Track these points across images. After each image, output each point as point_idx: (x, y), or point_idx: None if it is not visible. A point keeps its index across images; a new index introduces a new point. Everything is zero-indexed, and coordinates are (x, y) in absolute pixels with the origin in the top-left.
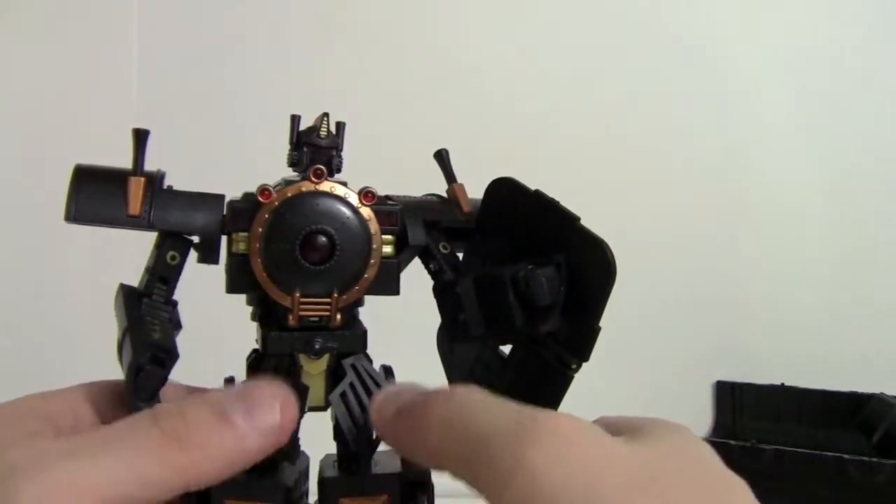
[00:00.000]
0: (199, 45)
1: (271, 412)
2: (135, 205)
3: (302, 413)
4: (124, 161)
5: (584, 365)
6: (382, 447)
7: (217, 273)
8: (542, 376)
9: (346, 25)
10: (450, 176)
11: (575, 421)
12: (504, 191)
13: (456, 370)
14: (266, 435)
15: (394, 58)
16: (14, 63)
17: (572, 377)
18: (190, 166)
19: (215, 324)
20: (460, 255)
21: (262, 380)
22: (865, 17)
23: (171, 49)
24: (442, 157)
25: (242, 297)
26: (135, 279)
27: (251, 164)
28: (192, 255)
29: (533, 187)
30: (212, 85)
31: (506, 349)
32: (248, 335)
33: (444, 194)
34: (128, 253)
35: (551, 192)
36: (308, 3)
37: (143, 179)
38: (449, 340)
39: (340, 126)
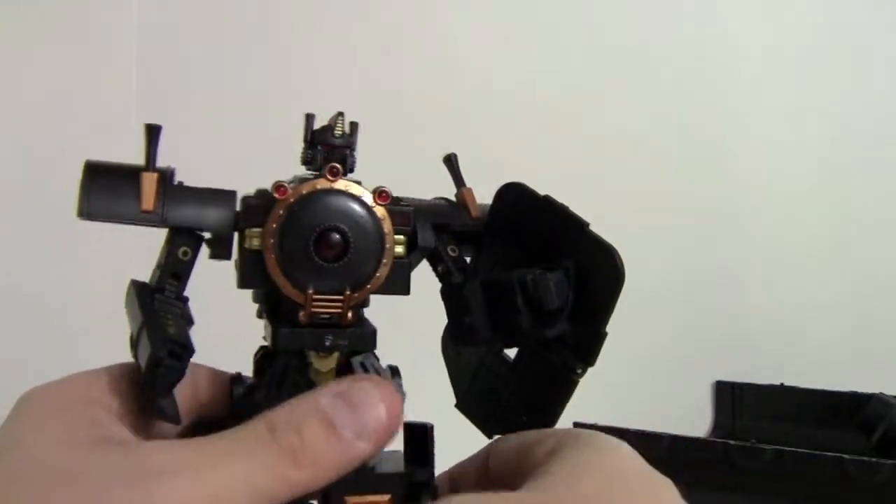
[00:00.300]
0: (199, 45)
1: (377, 415)
2: (148, 201)
3: None
4: (125, 160)
5: None
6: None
7: (224, 269)
8: (547, 380)
9: (351, 25)
10: (458, 180)
11: (477, 497)
12: (513, 196)
13: (460, 374)
14: (373, 440)
15: (401, 60)
16: (13, 63)
17: (577, 382)
18: (190, 166)
19: (223, 320)
20: (468, 259)
21: (365, 379)
22: (864, 14)
23: (171, 49)
24: (451, 162)
25: (249, 294)
26: (140, 277)
27: (252, 164)
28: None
29: (542, 191)
30: (212, 85)
31: (511, 353)
32: (255, 332)
33: (453, 198)
34: (133, 251)
35: (555, 191)
36: (309, 3)
37: (156, 175)
38: (454, 343)
39: (354, 126)
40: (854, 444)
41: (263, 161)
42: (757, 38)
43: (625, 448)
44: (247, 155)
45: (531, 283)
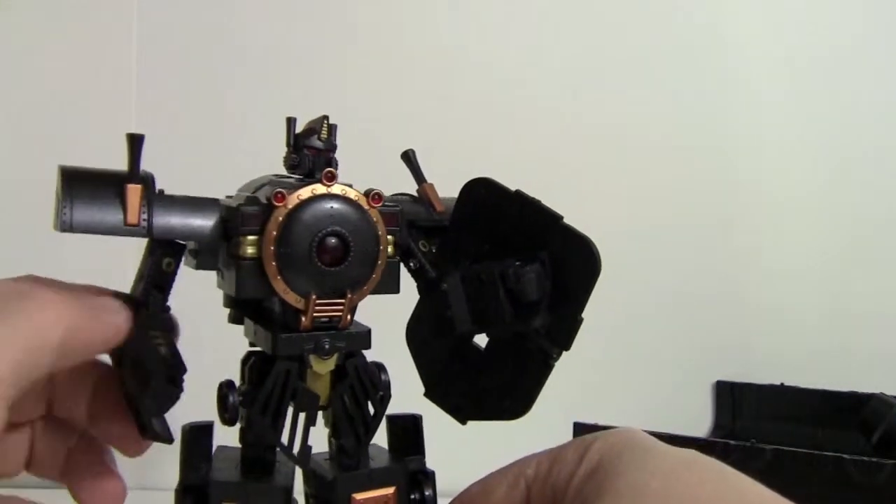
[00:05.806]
0: (200, 45)
1: None
2: (133, 213)
3: (314, 421)
4: (124, 162)
5: (585, 366)
6: (373, 441)
7: (202, 276)
8: (522, 366)
9: (346, 25)
10: (419, 176)
11: None
12: (482, 191)
13: (430, 364)
14: None
15: (399, 59)
16: (13, 62)
17: (553, 366)
18: (191, 166)
19: (206, 327)
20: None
21: None
22: (865, 14)
23: (171, 49)
24: (409, 158)
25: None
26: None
27: (252, 164)
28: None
29: (525, 186)
30: (212, 85)
31: (480, 339)
32: (235, 337)
33: (415, 194)
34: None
35: (547, 189)
36: (308, 4)
37: (140, 187)
38: (435, 337)
39: (333, 128)
40: (854, 444)
41: (265, 161)
42: (761, 36)
43: (651, 441)
44: (248, 155)
45: (512, 275)
